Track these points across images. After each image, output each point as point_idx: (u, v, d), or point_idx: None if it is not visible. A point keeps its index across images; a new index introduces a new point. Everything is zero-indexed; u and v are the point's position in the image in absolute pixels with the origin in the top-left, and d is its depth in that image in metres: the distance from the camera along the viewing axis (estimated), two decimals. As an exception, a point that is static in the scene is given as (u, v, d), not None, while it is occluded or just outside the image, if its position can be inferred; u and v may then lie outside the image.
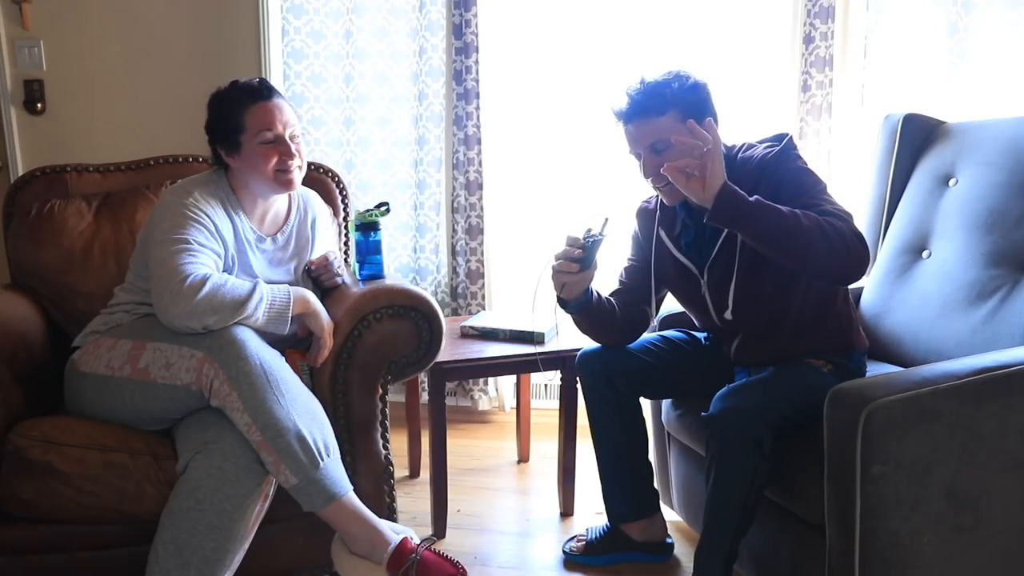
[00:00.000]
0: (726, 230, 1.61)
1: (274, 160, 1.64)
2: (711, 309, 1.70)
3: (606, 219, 1.60)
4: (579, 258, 1.60)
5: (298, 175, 1.70)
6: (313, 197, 1.91)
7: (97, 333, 1.65)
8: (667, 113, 1.56)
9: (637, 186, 1.69)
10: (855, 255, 1.42)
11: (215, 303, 1.48)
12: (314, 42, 2.75)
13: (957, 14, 2.36)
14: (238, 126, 1.64)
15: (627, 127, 1.61)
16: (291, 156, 1.65)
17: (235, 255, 1.67)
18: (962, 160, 1.86)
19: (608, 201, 2.70)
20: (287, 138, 1.65)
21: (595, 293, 1.74)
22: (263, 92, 1.66)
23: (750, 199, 1.42)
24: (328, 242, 1.94)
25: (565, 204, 2.80)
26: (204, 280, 1.49)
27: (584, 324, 1.78)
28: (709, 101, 1.62)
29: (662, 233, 1.77)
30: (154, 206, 1.68)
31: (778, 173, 1.56)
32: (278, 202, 1.78)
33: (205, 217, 1.61)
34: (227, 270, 1.65)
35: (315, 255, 1.86)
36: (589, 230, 1.61)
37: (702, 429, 1.69)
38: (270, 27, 2.74)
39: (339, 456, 1.54)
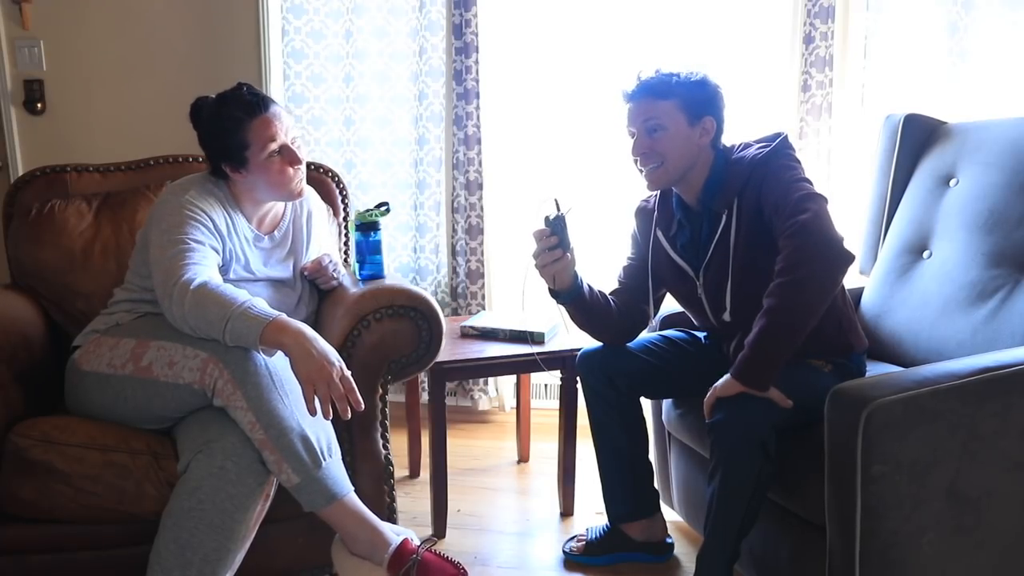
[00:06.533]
0: (719, 232, 1.62)
1: (288, 172, 1.66)
2: (707, 310, 1.71)
3: (555, 199, 1.66)
4: (556, 244, 1.64)
5: (303, 181, 1.74)
6: (310, 193, 1.91)
7: (97, 332, 1.64)
8: (669, 99, 1.61)
9: (637, 185, 1.70)
10: (831, 269, 1.43)
11: (199, 313, 1.43)
12: (314, 42, 2.74)
13: (957, 14, 2.36)
14: (242, 143, 1.62)
15: (630, 106, 1.67)
16: (298, 162, 1.67)
17: (233, 250, 1.67)
18: (963, 160, 1.86)
19: (609, 201, 2.71)
20: (291, 145, 1.66)
21: (586, 285, 1.75)
22: (259, 105, 1.62)
23: (752, 360, 1.45)
24: (325, 240, 1.94)
25: (565, 203, 2.79)
26: (192, 285, 1.45)
27: (579, 317, 1.79)
28: (714, 104, 1.64)
29: (659, 233, 1.77)
30: (153, 204, 1.68)
31: (764, 175, 1.58)
32: (277, 203, 1.79)
33: (202, 214, 1.61)
34: (225, 265, 1.65)
35: (311, 252, 1.86)
36: (547, 217, 1.65)
37: (704, 431, 1.69)
38: (270, 27, 2.74)
39: (340, 457, 1.54)
